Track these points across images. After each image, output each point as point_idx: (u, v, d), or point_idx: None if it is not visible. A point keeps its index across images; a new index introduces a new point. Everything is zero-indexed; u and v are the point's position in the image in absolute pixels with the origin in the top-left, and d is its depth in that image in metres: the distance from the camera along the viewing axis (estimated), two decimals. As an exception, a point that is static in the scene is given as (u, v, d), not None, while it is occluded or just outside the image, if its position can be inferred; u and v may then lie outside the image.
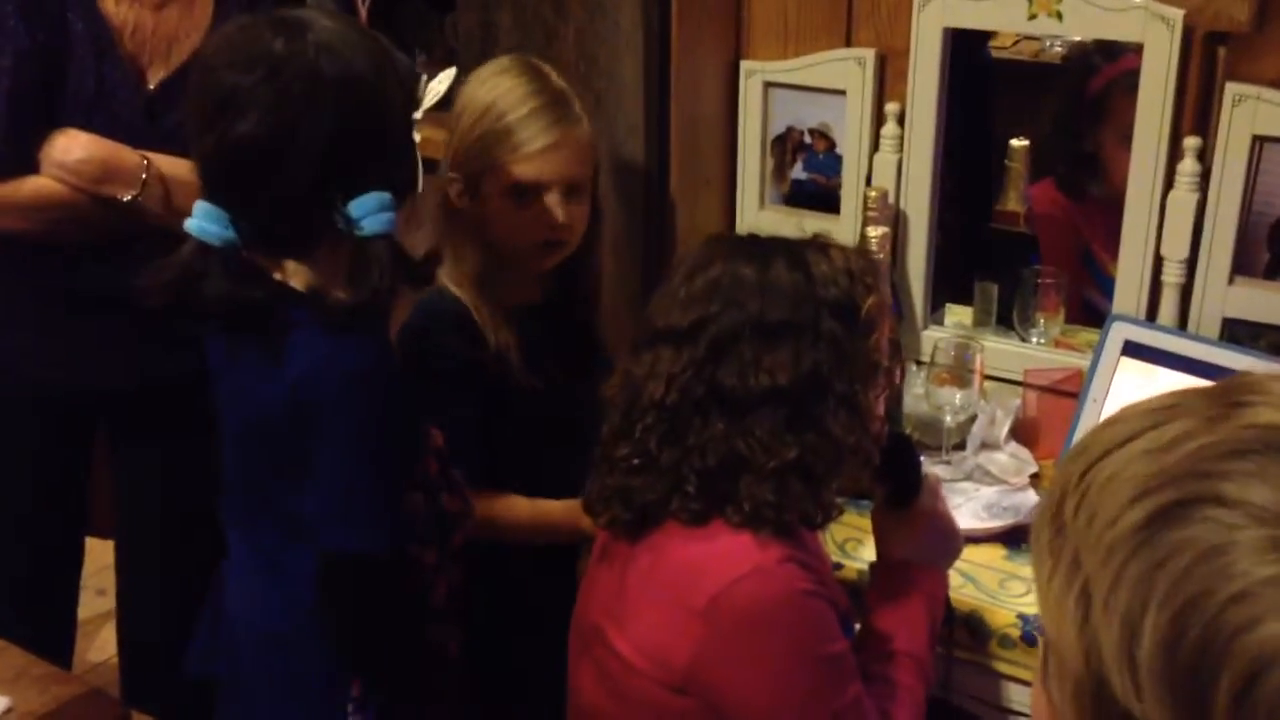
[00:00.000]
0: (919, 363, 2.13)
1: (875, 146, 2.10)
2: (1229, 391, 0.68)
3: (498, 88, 1.69)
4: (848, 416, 1.34)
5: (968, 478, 1.97)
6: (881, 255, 1.82)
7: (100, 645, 2.73)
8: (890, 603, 1.51)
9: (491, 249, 1.73)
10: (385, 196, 1.38)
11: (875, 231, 1.82)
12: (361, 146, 1.37)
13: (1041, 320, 2.19)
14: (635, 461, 1.38)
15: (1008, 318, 2.21)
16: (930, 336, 2.15)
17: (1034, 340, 2.16)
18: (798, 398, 1.33)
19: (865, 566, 1.78)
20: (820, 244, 1.41)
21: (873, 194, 2.02)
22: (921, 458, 1.61)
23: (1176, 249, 1.87)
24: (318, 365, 1.38)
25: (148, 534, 2.10)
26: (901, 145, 2.07)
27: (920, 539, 1.53)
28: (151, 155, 1.79)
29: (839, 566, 1.78)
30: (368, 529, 1.42)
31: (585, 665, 1.44)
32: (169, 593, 2.04)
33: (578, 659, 1.46)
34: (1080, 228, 2.54)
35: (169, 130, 1.76)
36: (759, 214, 2.24)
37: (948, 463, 1.99)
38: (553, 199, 1.70)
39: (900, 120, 2.06)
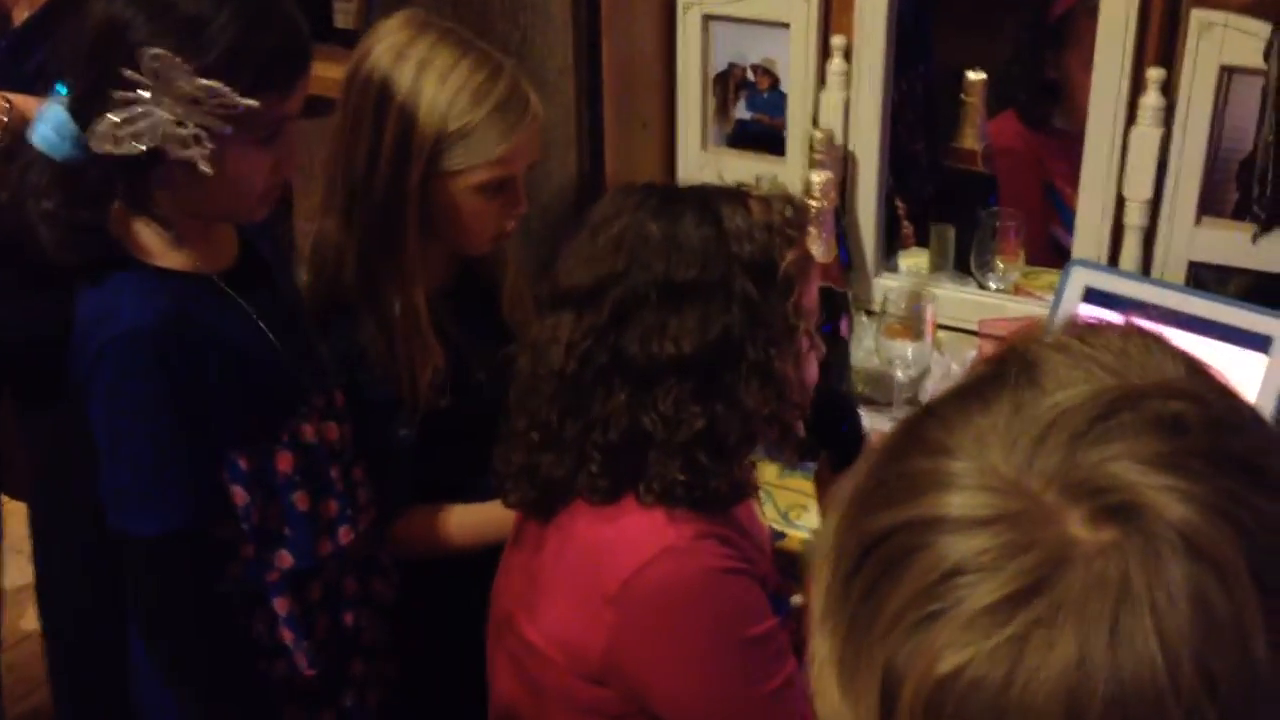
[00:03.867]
0: (870, 313, 2.06)
1: (822, 83, 2.01)
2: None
3: (439, 86, 1.56)
4: (761, 385, 1.26)
5: (922, 435, 1.89)
6: (825, 202, 1.74)
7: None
8: None
9: (431, 244, 1.63)
10: (58, 112, 1.30)
11: (818, 177, 1.73)
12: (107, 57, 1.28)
13: (1000, 265, 2.11)
14: (536, 436, 1.30)
15: (967, 263, 2.14)
16: (882, 285, 2.07)
17: (993, 286, 2.09)
18: (706, 366, 1.25)
19: (810, 535, 1.71)
20: (738, 194, 1.32)
21: (818, 135, 1.93)
22: (862, 415, 1.53)
23: (1139, 188, 1.80)
24: (80, 323, 1.34)
25: (58, 498, 2.00)
26: (849, 82, 1.97)
27: None
28: (13, 96, 1.69)
29: (781, 536, 1.71)
30: (137, 510, 1.36)
31: (500, 657, 1.37)
32: (87, 560, 1.95)
33: (494, 650, 1.39)
34: (1043, 161, 2.47)
35: (32, 73, 1.66)
36: (701, 156, 2.15)
37: (899, 419, 1.92)
38: (520, 186, 1.62)
39: (847, 55, 1.97)
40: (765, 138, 2.11)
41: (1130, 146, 1.79)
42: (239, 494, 1.41)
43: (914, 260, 2.28)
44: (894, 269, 2.14)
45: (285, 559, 1.46)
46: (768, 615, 1.31)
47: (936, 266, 2.21)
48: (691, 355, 1.24)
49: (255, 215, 1.44)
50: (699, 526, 1.26)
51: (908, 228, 2.49)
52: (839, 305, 1.78)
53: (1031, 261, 2.14)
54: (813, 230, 1.74)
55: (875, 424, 1.90)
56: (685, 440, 1.25)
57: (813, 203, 1.73)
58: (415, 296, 1.61)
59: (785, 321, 1.29)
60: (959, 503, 0.56)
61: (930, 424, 0.61)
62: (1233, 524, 0.54)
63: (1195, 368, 0.63)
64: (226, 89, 1.27)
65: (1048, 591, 0.53)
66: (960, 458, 0.58)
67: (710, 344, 1.25)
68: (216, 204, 1.38)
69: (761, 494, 1.76)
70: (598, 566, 1.27)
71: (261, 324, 1.45)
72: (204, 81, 1.27)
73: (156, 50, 1.25)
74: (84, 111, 1.30)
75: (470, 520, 1.63)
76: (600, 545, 1.28)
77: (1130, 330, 0.64)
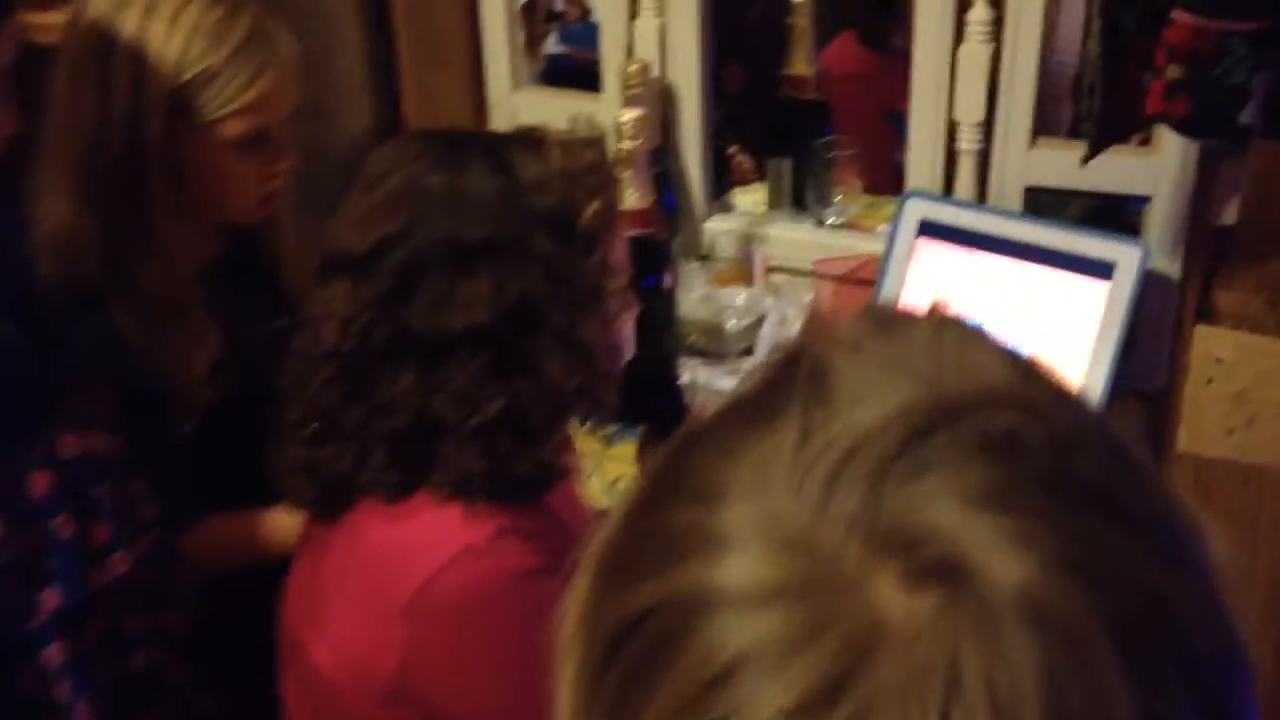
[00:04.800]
0: (702, 259, 1.94)
1: (634, 11, 1.87)
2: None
3: (170, 29, 1.38)
4: (566, 354, 1.13)
5: (758, 387, 1.79)
6: (638, 142, 1.60)
7: None
8: None
9: (189, 212, 1.46)
10: None
11: (629, 115, 1.60)
12: None
13: (838, 199, 2.01)
14: (314, 426, 1.15)
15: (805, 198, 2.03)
16: (713, 228, 1.96)
17: (830, 221, 1.98)
18: (503, 337, 1.11)
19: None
20: (533, 139, 1.18)
21: (631, 69, 1.79)
22: (695, 372, 1.42)
23: (971, 111, 1.70)
24: None
25: None
26: (663, 8, 1.84)
27: None
28: None
29: (605, 515, 1.59)
30: None
31: (290, 680, 1.23)
32: None
33: (285, 673, 1.25)
34: (883, 85, 2.37)
35: None
36: (512, 97, 2.00)
37: (735, 373, 1.81)
38: (281, 138, 1.45)
39: (658, -23, 1.83)
40: (580, 73, 1.97)
41: (959, 66, 1.68)
42: None
43: (754, 197, 2.17)
44: (727, 209, 2.02)
45: (51, 598, 1.28)
46: (581, 614, 1.19)
47: (774, 204, 2.10)
48: (486, 325, 1.10)
49: None
50: (500, 522, 1.13)
51: (747, 162, 2.39)
52: (660, 255, 1.66)
53: (878, 191, 2.04)
54: (626, 174, 1.61)
55: (709, 378, 1.80)
56: (483, 424, 1.11)
57: (625, 144, 1.60)
58: (176, 274, 1.44)
59: (590, 281, 1.15)
60: (735, 569, 0.43)
61: (696, 455, 0.48)
62: (1085, 576, 0.42)
63: (1024, 367, 0.49)
64: None
65: (854, 689, 0.40)
66: (735, 502, 0.45)
67: (507, 311, 1.11)
68: None
69: (585, 466, 1.64)
70: (388, 574, 1.14)
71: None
72: None
73: None
74: None
75: (277, 525, 1.48)
76: (390, 549, 1.14)
77: (941, 321, 0.51)
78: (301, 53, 1.47)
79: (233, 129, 1.40)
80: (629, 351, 1.29)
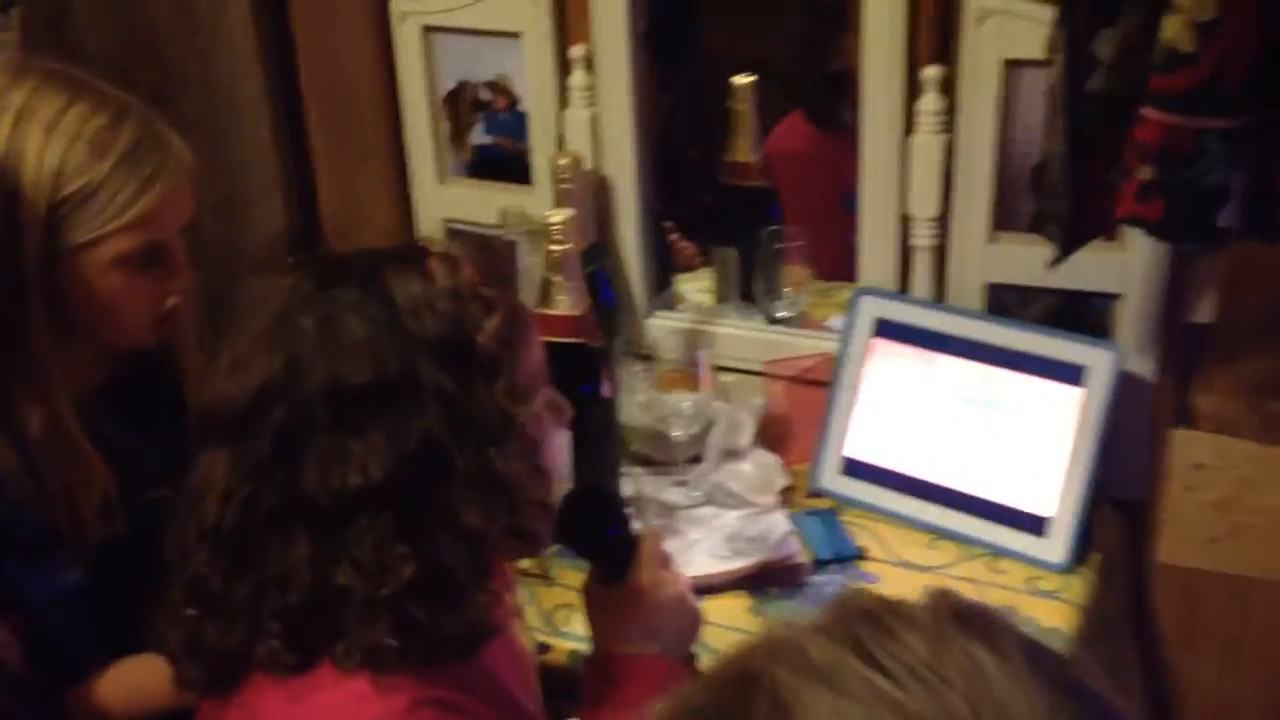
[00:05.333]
0: (644, 359, 1.82)
1: (564, 101, 1.76)
2: None
3: (46, 139, 1.26)
4: (484, 497, 1.01)
5: (707, 501, 1.67)
6: (569, 245, 1.49)
7: None
8: (602, 710, 1.19)
9: (72, 338, 1.33)
10: None
11: (558, 216, 1.48)
12: None
13: (788, 291, 1.90)
14: (195, 608, 1.02)
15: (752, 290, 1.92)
16: (656, 326, 1.85)
17: (780, 315, 1.88)
18: (407, 491, 0.99)
19: (581, 646, 1.47)
20: (412, 254, 1.06)
21: (562, 162, 1.69)
22: (627, 512, 1.29)
23: (925, 205, 1.60)
24: None
25: None
26: (593, 98, 1.74)
27: (639, 623, 1.21)
28: None
29: (545, 649, 1.46)
30: None
31: None
32: None
33: None
34: (836, 165, 2.27)
35: None
36: (438, 190, 1.89)
37: (683, 483, 1.69)
38: (175, 252, 1.33)
39: (589, 66, 1.73)
40: (509, 164, 1.86)
41: (911, 158, 1.59)
42: None
43: (699, 285, 2.06)
44: (669, 305, 1.91)
45: None
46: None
47: (721, 297, 1.99)
48: (386, 481, 0.98)
49: None
50: (413, 693, 1.00)
51: (689, 248, 2.28)
52: (595, 363, 1.54)
53: (833, 277, 1.94)
54: (557, 279, 1.50)
55: (655, 489, 1.68)
56: (393, 593, 0.99)
57: (554, 247, 1.49)
58: (58, 406, 1.30)
59: (500, 409, 1.03)
60: None
61: None
62: None
63: (1060, 682, 0.38)
64: None
65: None
66: None
67: (407, 462, 0.99)
68: None
69: (521, 594, 1.52)
70: None
71: None
72: None
73: None
74: None
75: (136, 682, 1.34)
76: None
77: (943, 623, 0.39)
78: (196, 158, 1.35)
79: (117, 247, 1.28)
80: (562, 472, 1.17)
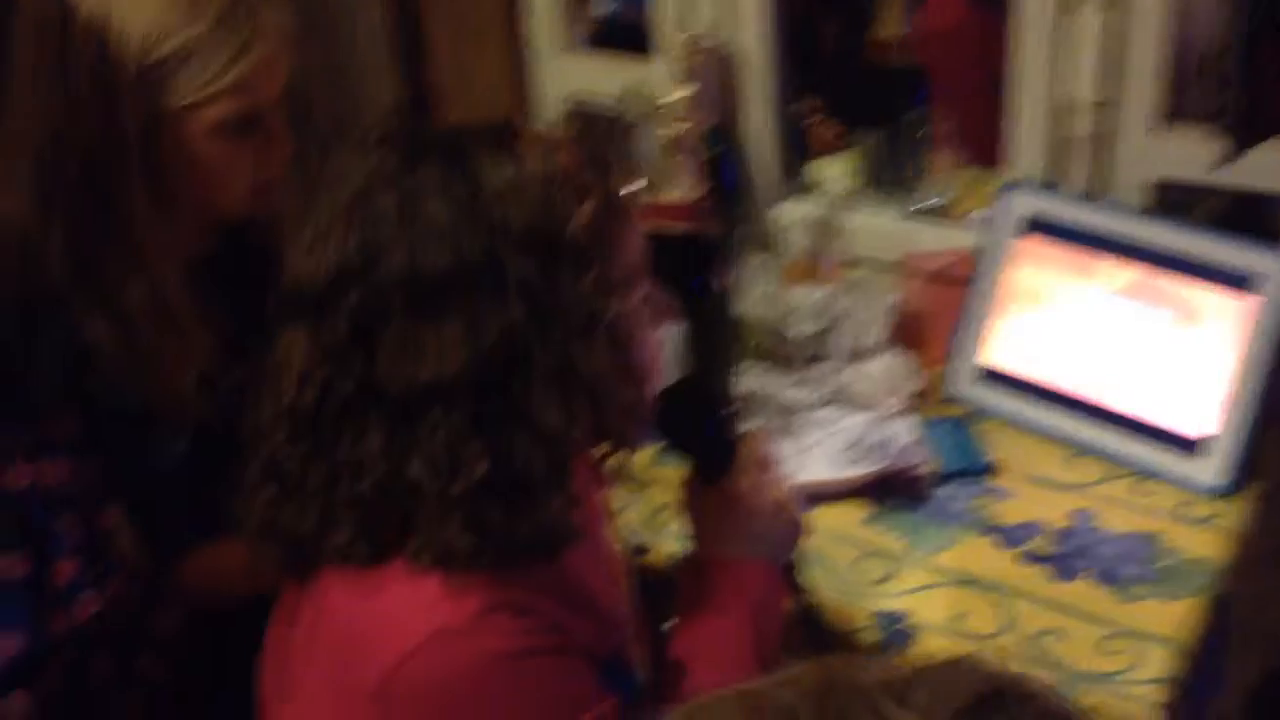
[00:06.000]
0: (769, 250, 1.73)
1: (693, -34, 1.65)
2: None
3: (136, 3, 1.21)
4: (564, 396, 0.95)
5: (829, 403, 1.59)
6: (687, 125, 1.40)
7: None
8: (695, 618, 1.14)
9: (172, 205, 1.30)
10: None
11: (675, 95, 1.39)
12: None
13: (931, 181, 1.79)
14: (272, 488, 0.99)
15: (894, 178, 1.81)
16: (785, 213, 1.75)
17: (922, 206, 1.76)
18: (483, 386, 0.93)
19: (682, 549, 1.42)
20: (505, 134, 0.99)
21: (687, 36, 1.58)
22: (730, 410, 1.22)
23: (1083, 90, 1.45)
24: None
25: None
26: (725, -37, 1.62)
27: (736, 527, 1.15)
28: None
29: (643, 551, 1.41)
30: None
31: None
32: None
33: None
34: (992, 45, 2.12)
35: None
36: (559, 63, 1.80)
37: (805, 383, 1.61)
38: (274, 120, 1.28)
39: (720, -71, 1.61)
40: (633, 36, 1.76)
41: (1071, 34, 1.44)
42: None
43: (838, 169, 1.95)
44: (801, 192, 1.81)
45: (7, 643, 1.16)
46: (591, 699, 1.02)
47: (862, 184, 1.88)
48: (461, 375, 0.93)
49: None
50: (486, 596, 0.96)
51: (830, 129, 2.16)
52: (709, 253, 1.46)
53: (987, 164, 1.80)
54: (672, 162, 1.41)
55: (773, 389, 1.60)
56: (464, 491, 0.94)
57: (669, 129, 1.40)
58: (157, 277, 1.27)
59: (586, 304, 0.97)
60: None
61: None
62: None
63: None
64: None
65: None
66: None
67: (484, 355, 0.93)
68: None
69: (620, 496, 1.46)
70: (355, 654, 0.98)
71: None
72: None
73: None
74: None
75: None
76: (358, 625, 0.99)
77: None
78: (297, 21, 1.29)
79: (215, 112, 1.23)
80: (659, 372, 1.10)
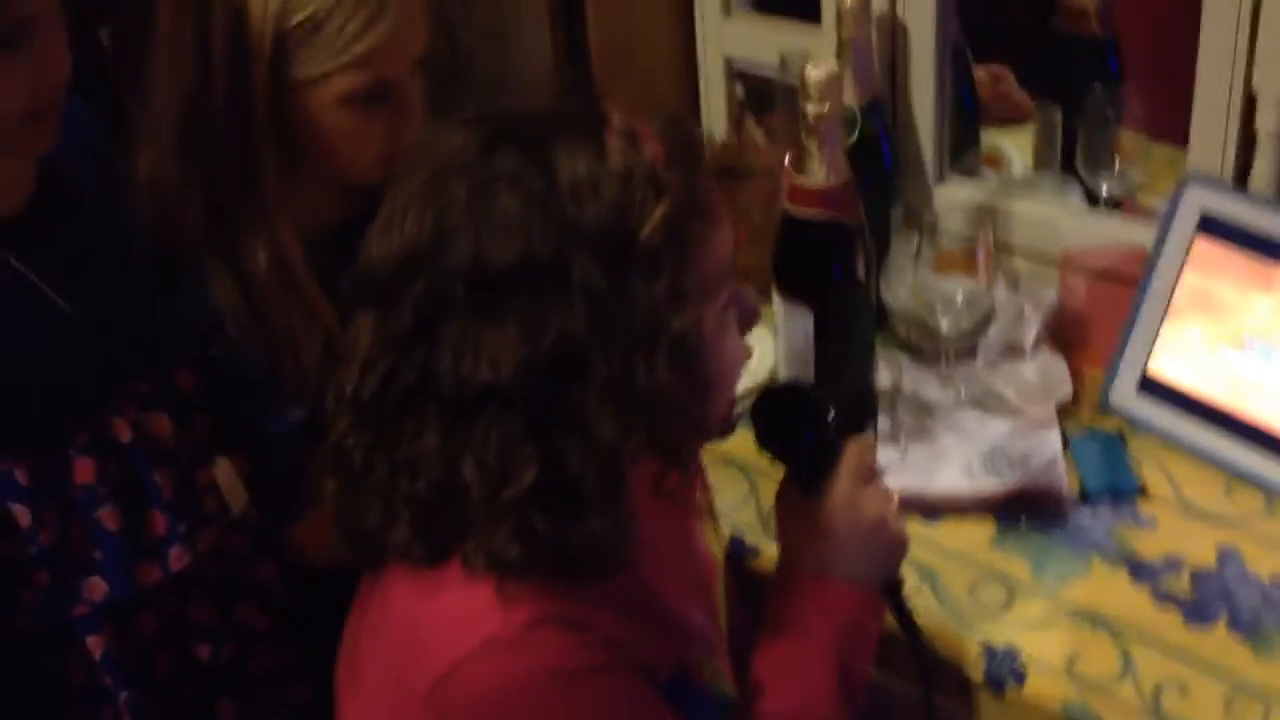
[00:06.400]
0: (927, 231, 1.64)
1: (861, -72, 1.56)
2: None
3: None
4: (621, 407, 0.91)
5: (973, 404, 1.50)
6: (826, 106, 1.32)
7: None
8: (775, 635, 1.10)
9: (302, 171, 1.30)
10: None
11: (816, 72, 1.31)
12: None
13: (1116, 164, 1.66)
14: (338, 478, 0.99)
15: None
16: (946, 195, 1.65)
17: (1105, 191, 1.64)
18: (538, 392, 0.90)
19: (742, 535, 1.38)
20: (591, 124, 0.94)
21: (849, 4, 1.50)
22: (831, 416, 1.15)
23: (1275, 80, 1.32)
24: None
25: None
26: (895, -74, 1.53)
27: (828, 542, 1.10)
28: None
29: (744, 553, 1.36)
30: None
31: None
32: None
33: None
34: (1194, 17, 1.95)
35: None
36: (723, 23, 1.74)
37: (949, 380, 1.52)
38: (408, 90, 1.28)
39: (892, -110, 1.52)
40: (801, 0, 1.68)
41: (1262, 16, 1.31)
42: (20, 513, 1.15)
43: (1019, 140, 1.83)
44: (968, 173, 1.71)
45: (97, 588, 1.21)
46: (648, 717, 0.99)
47: (1040, 163, 1.77)
48: (515, 379, 0.90)
49: (24, 145, 1.14)
50: (536, 608, 0.94)
51: (1014, 96, 2.02)
52: (845, 241, 1.38)
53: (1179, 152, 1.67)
54: (811, 144, 1.34)
55: (915, 384, 1.52)
56: (514, 498, 0.92)
57: (810, 107, 1.32)
58: (285, 242, 1.29)
59: (654, 313, 0.92)
60: None
61: None
62: None
63: None
64: None
65: None
66: None
67: (542, 360, 0.90)
68: None
69: (732, 494, 1.42)
70: (413, 654, 0.98)
71: (50, 292, 1.17)
72: None
73: None
74: None
75: None
76: (415, 625, 0.99)
77: None
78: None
79: (343, 84, 1.23)
80: (731, 383, 1.05)
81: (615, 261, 0.90)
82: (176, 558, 1.24)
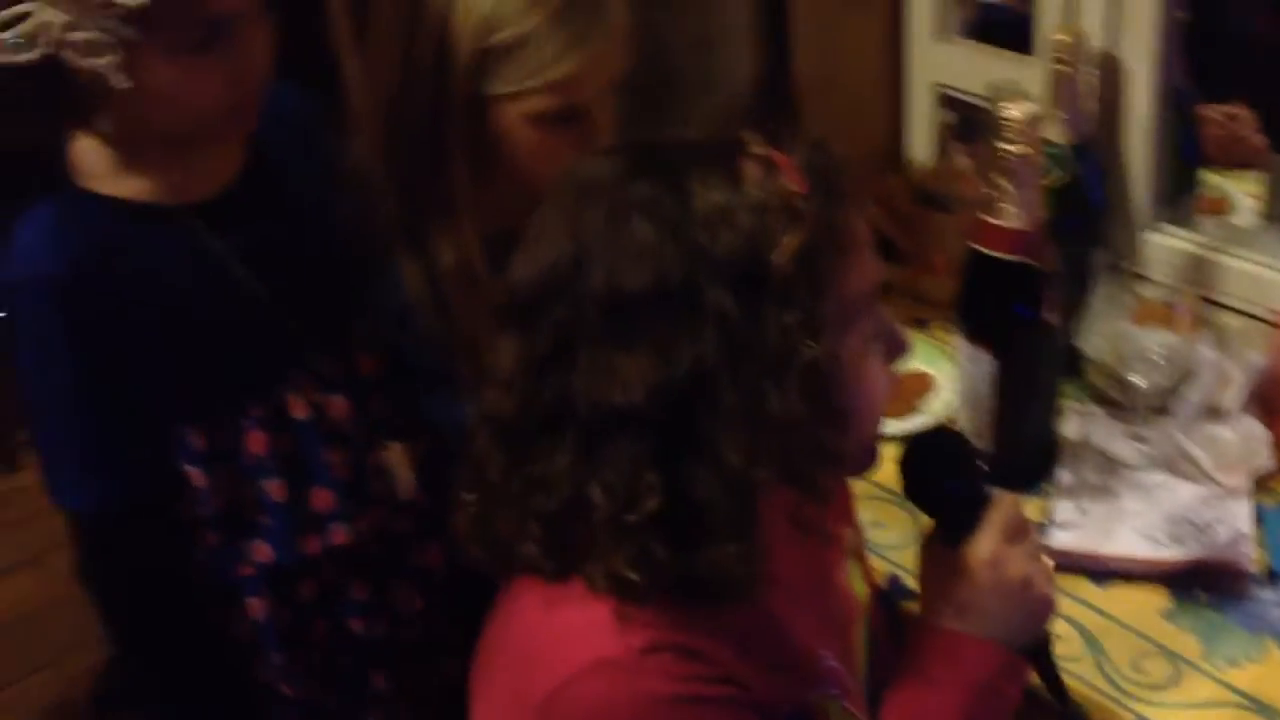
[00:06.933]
0: (1131, 277, 1.57)
1: (1083, -41, 1.51)
2: None
3: None
4: (752, 436, 0.90)
5: (1164, 465, 1.43)
6: (1026, 149, 1.27)
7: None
8: (904, 688, 1.07)
9: (492, 177, 1.34)
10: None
11: (1014, 111, 1.27)
12: None
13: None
14: (476, 491, 1.02)
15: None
16: (1157, 242, 1.58)
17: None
18: (667, 418, 0.90)
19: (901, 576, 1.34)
20: (728, 151, 0.94)
21: (1061, 37, 1.45)
22: (980, 465, 1.12)
23: None
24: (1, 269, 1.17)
25: None
26: (1119, -41, 1.47)
27: (967, 598, 1.06)
28: None
29: (904, 594, 1.33)
30: (66, 483, 1.21)
31: None
32: None
33: None
34: None
35: None
36: (933, 48, 1.71)
37: (1139, 437, 1.45)
38: (599, 111, 1.29)
39: (1119, -78, 1.46)
40: (1014, 29, 1.63)
41: None
42: (195, 475, 1.23)
43: (1243, 193, 1.74)
44: (1182, 218, 1.63)
45: (262, 551, 1.28)
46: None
47: (1272, 215, 1.67)
48: (646, 404, 0.90)
49: (225, 132, 1.21)
50: (653, 633, 0.94)
51: (1255, 139, 1.91)
52: (1032, 284, 1.33)
53: None
54: (1004, 184, 1.30)
55: (1104, 437, 1.46)
56: (637, 521, 0.92)
57: (1005, 147, 1.28)
58: (470, 243, 1.32)
59: (787, 341, 0.91)
60: None
61: None
62: None
63: None
64: None
65: None
66: None
67: (672, 385, 0.90)
68: (162, 121, 1.15)
69: (899, 527, 1.39)
70: (530, 665, 0.99)
71: (243, 270, 1.23)
72: None
73: None
74: None
75: None
76: (535, 637, 1.00)
77: None
78: (633, 21, 1.29)
79: (534, 104, 1.25)
80: (871, 415, 1.03)
81: (747, 289, 0.90)
82: (338, 534, 1.30)
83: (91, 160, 1.19)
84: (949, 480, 1.09)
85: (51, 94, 1.13)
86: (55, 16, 1.07)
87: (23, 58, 1.08)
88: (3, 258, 1.18)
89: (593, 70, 1.26)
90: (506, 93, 1.25)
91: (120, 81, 1.08)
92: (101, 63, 1.08)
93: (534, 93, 1.25)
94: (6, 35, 1.08)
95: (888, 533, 1.38)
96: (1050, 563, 1.10)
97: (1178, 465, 1.43)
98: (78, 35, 1.07)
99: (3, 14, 1.07)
